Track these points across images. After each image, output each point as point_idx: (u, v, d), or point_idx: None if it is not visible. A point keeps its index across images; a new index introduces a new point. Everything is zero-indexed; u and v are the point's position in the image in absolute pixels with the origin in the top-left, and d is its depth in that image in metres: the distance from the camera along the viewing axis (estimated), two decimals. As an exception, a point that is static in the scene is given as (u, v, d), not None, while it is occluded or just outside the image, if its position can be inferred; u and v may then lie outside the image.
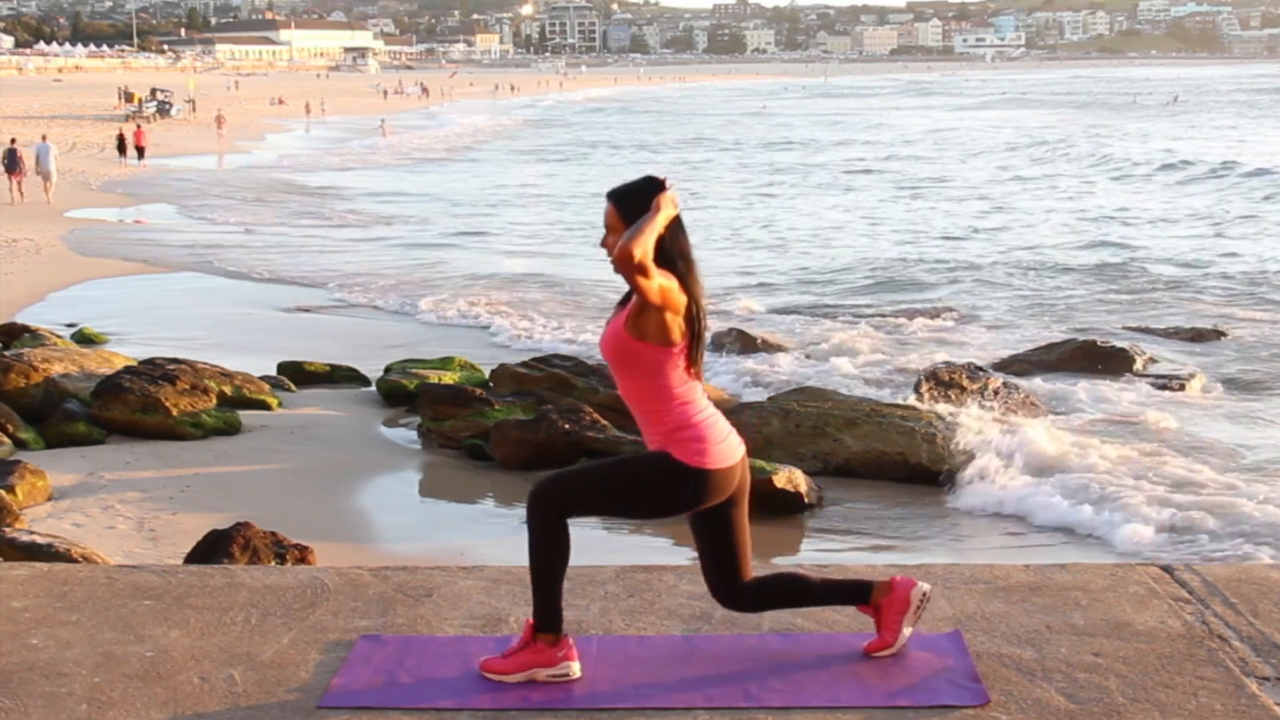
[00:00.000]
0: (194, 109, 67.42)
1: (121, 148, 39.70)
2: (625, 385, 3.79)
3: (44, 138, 32.96)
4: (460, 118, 74.04)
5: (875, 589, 3.96)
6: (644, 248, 3.54)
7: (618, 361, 3.76)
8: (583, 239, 24.28)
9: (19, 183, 29.12)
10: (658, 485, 3.74)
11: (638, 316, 3.67)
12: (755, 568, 3.95)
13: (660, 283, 3.59)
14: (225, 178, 37.03)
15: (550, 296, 18.15)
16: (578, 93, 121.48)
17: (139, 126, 43.29)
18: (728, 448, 3.76)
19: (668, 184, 3.71)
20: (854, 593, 3.98)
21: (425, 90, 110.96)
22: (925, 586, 3.98)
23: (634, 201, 3.68)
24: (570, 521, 3.75)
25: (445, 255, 22.72)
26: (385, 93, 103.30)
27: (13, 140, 31.26)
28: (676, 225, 3.69)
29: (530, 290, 18.64)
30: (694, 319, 3.70)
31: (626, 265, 3.53)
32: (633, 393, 3.78)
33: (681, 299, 3.66)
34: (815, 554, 7.79)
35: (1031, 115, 73.90)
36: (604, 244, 3.74)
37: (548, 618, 3.78)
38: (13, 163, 29.36)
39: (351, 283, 19.22)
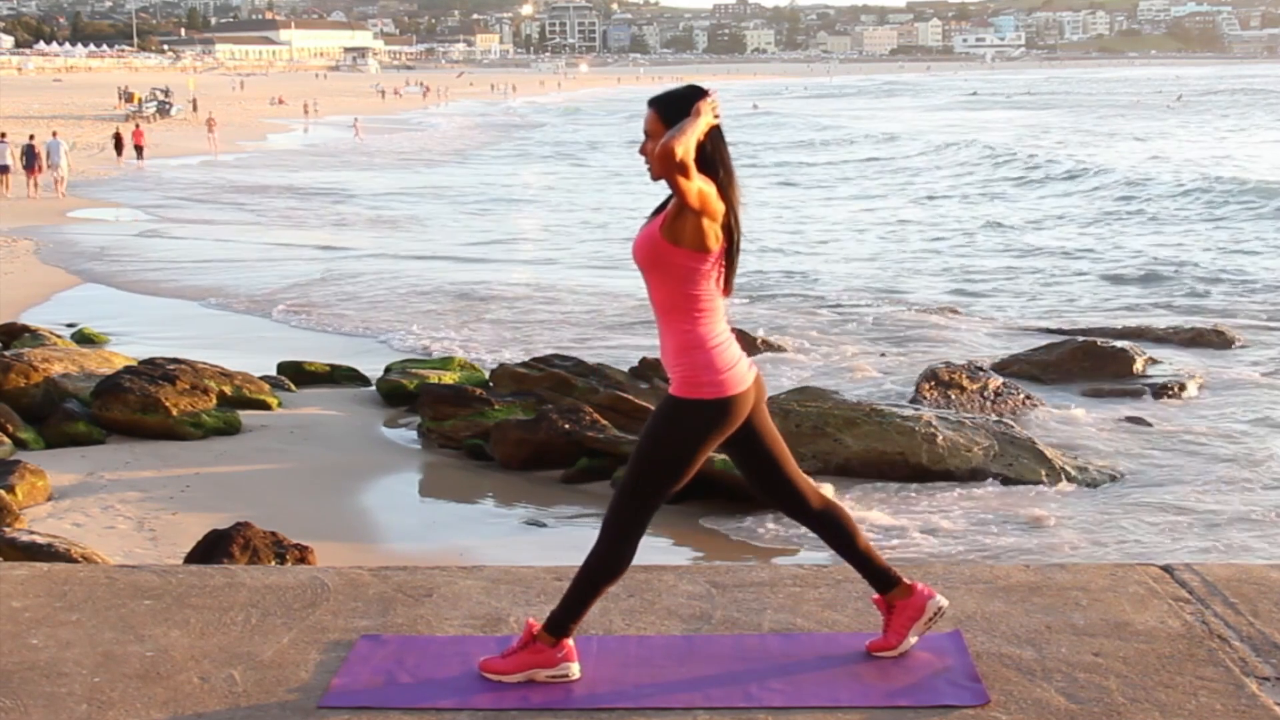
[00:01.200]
0: (195, 109, 67.44)
1: (118, 147, 39.93)
2: (654, 291, 3.72)
3: (55, 134, 33.77)
4: (443, 119, 73.68)
5: (898, 586, 3.94)
6: (686, 146, 3.47)
7: (650, 265, 3.69)
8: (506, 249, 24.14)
9: (34, 179, 30.18)
10: (683, 431, 3.70)
11: (674, 220, 3.61)
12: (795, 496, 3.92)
13: (700, 186, 3.54)
14: (203, 178, 36.89)
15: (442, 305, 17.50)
16: (563, 94, 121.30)
17: (137, 126, 43.79)
18: (738, 373, 3.72)
19: (711, 92, 3.67)
20: (880, 577, 3.96)
21: (427, 90, 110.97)
22: (943, 603, 3.96)
23: (676, 107, 3.62)
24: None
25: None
26: (383, 93, 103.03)
27: (31, 137, 32.31)
28: (717, 134, 3.64)
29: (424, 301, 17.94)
30: (731, 228, 3.65)
31: (667, 162, 3.47)
32: (660, 299, 3.71)
33: (720, 206, 3.60)
34: (815, 554, 7.78)
35: (1024, 116, 73.88)
36: (643, 150, 3.68)
37: (567, 623, 3.78)
38: (30, 159, 30.39)
39: (224, 292, 18.11)
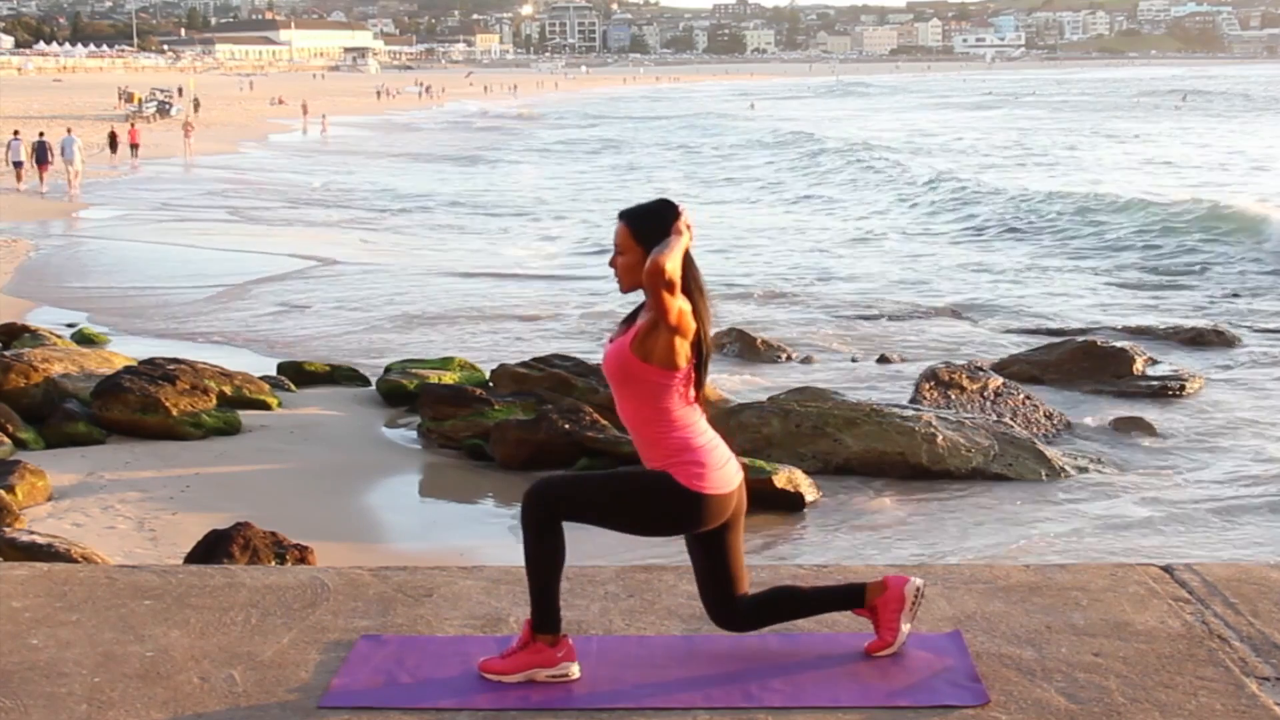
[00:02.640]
0: (196, 109, 67.40)
1: (113, 145, 40.20)
2: (625, 406, 3.80)
3: (69, 131, 34.83)
4: (426, 120, 73.20)
5: (869, 590, 3.96)
6: (675, 263, 3.57)
7: (620, 381, 3.77)
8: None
9: (45, 174, 31.36)
10: (655, 504, 3.75)
11: (645, 337, 3.68)
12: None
13: (680, 304, 3.61)
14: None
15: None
16: (562, 94, 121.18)
17: (133, 125, 44.30)
18: (726, 474, 3.77)
19: (682, 209, 3.73)
20: (848, 597, 3.99)
21: (428, 89, 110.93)
22: (918, 581, 3.98)
23: (648, 223, 3.70)
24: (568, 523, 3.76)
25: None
26: (379, 93, 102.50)
27: (41, 134, 33.51)
28: (688, 253, 3.71)
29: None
30: (700, 345, 3.72)
31: (658, 279, 3.54)
32: (632, 414, 3.79)
33: (692, 324, 3.67)
34: (814, 554, 7.79)
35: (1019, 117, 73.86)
36: (612, 264, 3.76)
37: (544, 618, 3.78)
38: (42, 155, 31.54)
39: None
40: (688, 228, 3.69)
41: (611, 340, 3.83)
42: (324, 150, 50.54)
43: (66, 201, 29.55)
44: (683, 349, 3.68)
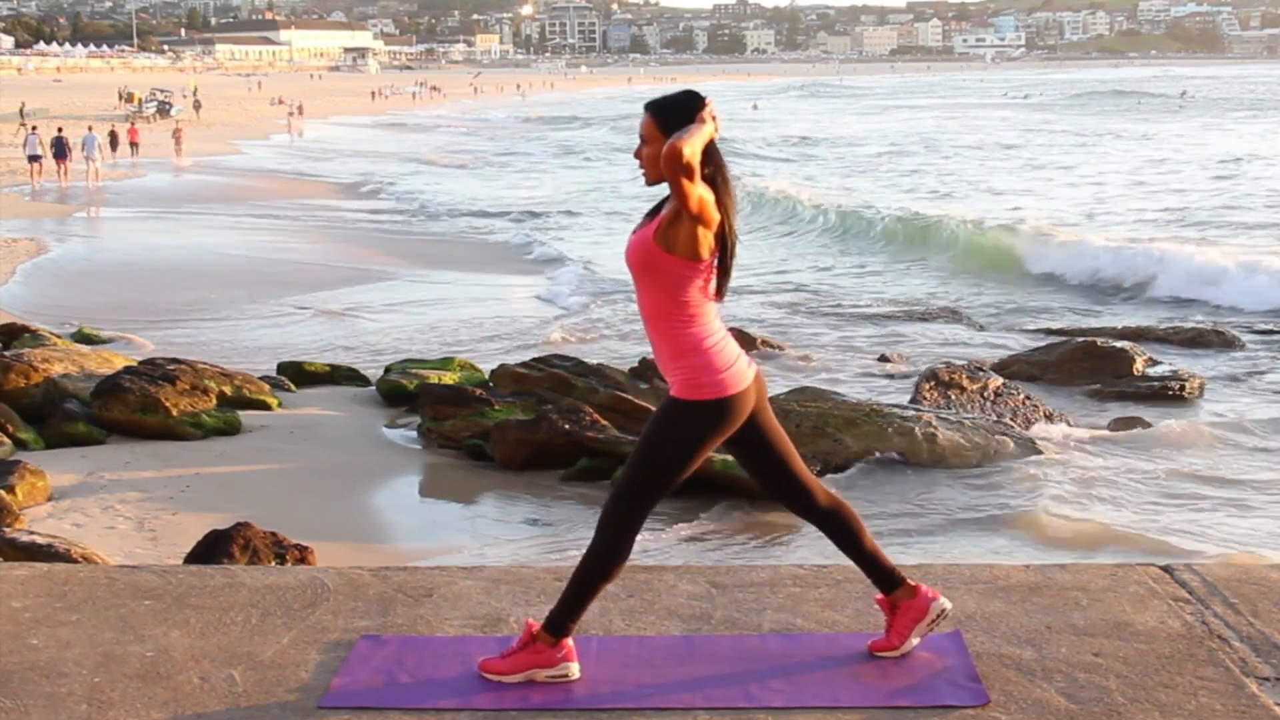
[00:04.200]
0: (197, 110, 67.35)
1: (114, 144, 40.54)
2: (644, 296, 3.73)
3: (90, 128, 36.68)
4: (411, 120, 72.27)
5: (902, 586, 3.95)
6: (693, 148, 3.49)
7: (642, 270, 3.69)
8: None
9: (64, 168, 33.17)
10: (689, 434, 3.70)
11: (669, 226, 3.61)
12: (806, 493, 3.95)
13: (701, 191, 3.55)
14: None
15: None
16: (560, 94, 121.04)
17: (133, 125, 45.46)
18: (737, 372, 3.72)
19: (708, 100, 3.68)
20: (886, 577, 3.96)
21: (434, 90, 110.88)
22: (947, 605, 3.96)
23: (674, 113, 3.63)
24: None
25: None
26: (373, 94, 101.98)
27: (60, 129, 35.09)
28: (713, 144, 3.64)
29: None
30: (724, 237, 3.66)
31: (674, 163, 3.46)
32: (650, 305, 3.72)
33: (716, 214, 3.60)
34: (815, 555, 7.78)
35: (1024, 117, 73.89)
36: (637, 155, 3.69)
37: (565, 621, 3.79)
38: (60, 150, 33.30)
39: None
40: (713, 118, 3.63)
41: (635, 231, 3.76)
42: (383, 155, 48.68)
43: (87, 195, 30.65)
44: (706, 239, 3.61)
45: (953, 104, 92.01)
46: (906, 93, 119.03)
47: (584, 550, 3.82)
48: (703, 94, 3.70)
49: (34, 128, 35.35)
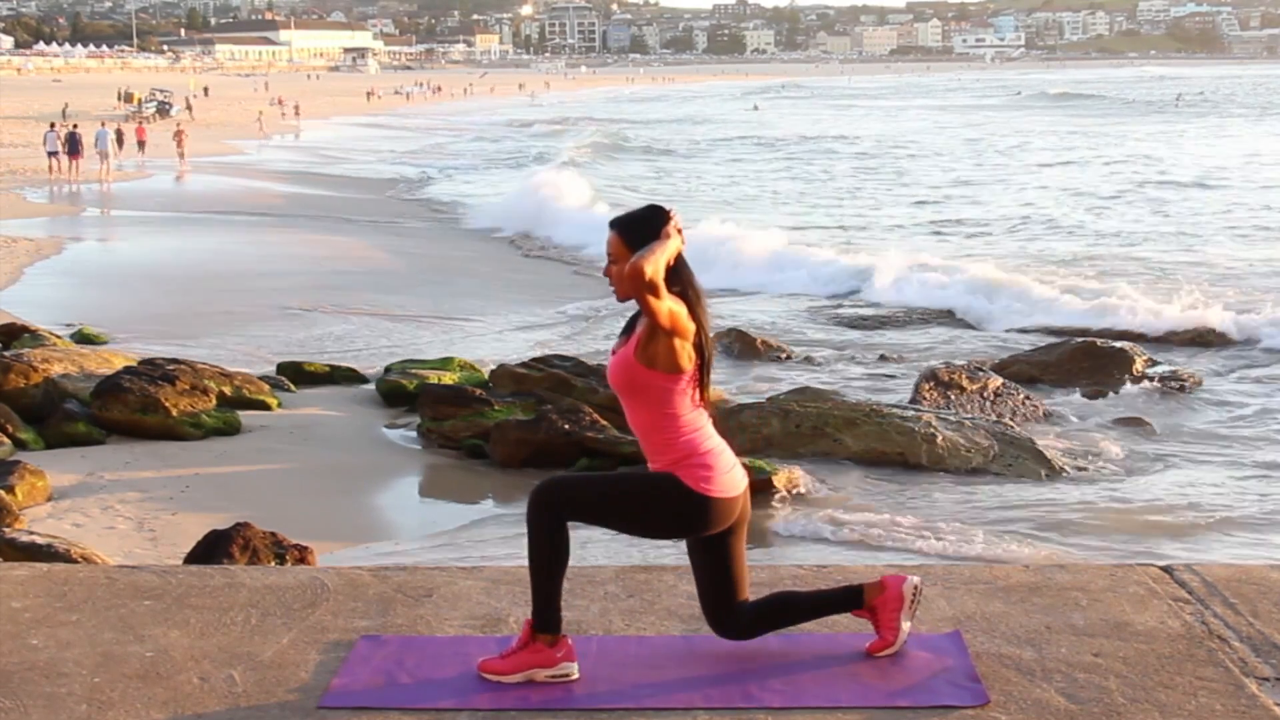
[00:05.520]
0: (189, 110, 67.28)
1: (120, 142, 40.79)
2: (633, 414, 3.80)
3: (103, 124, 38.07)
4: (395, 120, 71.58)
5: (866, 591, 3.97)
6: (655, 266, 3.56)
7: (627, 390, 3.77)
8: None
9: (76, 164, 34.01)
10: (661, 506, 3.75)
11: (647, 344, 3.68)
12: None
13: (670, 306, 3.61)
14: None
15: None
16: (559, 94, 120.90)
17: (140, 124, 46.49)
18: (732, 479, 3.78)
19: (673, 213, 3.73)
20: (847, 600, 3.99)
21: (438, 90, 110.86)
22: (916, 579, 3.99)
23: (639, 229, 3.70)
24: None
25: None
26: (368, 95, 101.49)
27: (75, 126, 36.62)
28: (680, 256, 3.71)
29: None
30: (702, 347, 3.72)
31: (638, 282, 3.54)
32: (640, 421, 3.79)
33: (690, 325, 3.67)
34: (814, 555, 7.78)
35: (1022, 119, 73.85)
36: (606, 273, 3.77)
37: (546, 618, 3.78)
38: (74, 147, 34.03)
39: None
40: (678, 231, 3.70)
41: (614, 351, 3.84)
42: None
43: (100, 193, 31.33)
44: (684, 351, 3.68)
45: (944, 105, 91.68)
46: (890, 93, 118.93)
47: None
48: (666, 208, 3.76)
49: (52, 125, 36.52)
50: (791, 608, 3.99)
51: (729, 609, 3.90)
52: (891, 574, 4.04)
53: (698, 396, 3.76)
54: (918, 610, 4.01)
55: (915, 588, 3.96)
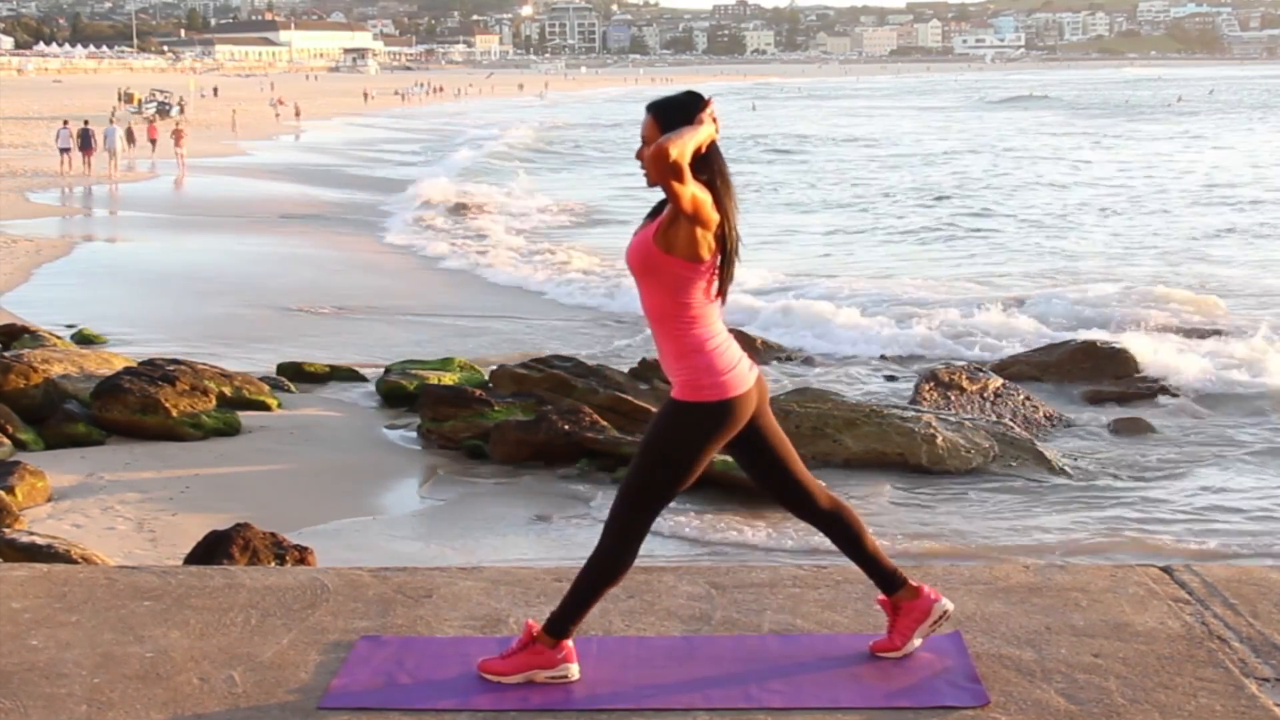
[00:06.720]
0: (182, 110, 67.21)
1: (130, 139, 41.42)
2: (646, 297, 3.72)
3: (112, 121, 39.74)
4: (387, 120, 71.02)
5: (905, 588, 3.94)
6: (680, 149, 3.45)
7: (642, 271, 3.68)
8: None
9: (89, 160, 35.07)
10: (686, 433, 3.70)
11: (668, 228, 3.59)
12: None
13: (694, 192, 3.51)
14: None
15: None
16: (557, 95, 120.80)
17: (152, 123, 47.13)
18: (739, 374, 3.71)
19: (709, 100, 3.66)
20: (888, 578, 3.96)
21: (438, 90, 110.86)
22: (949, 606, 3.96)
23: (675, 114, 3.61)
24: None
25: None
26: (365, 95, 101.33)
27: (85, 122, 36.83)
28: (713, 145, 3.63)
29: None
30: (724, 238, 3.63)
31: (661, 164, 3.43)
32: (652, 305, 3.71)
33: (714, 215, 3.58)
34: (814, 555, 7.78)
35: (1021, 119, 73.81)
36: (639, 155, 3.66)
37: (567, 623, 3.78)
38: (86, 142, 35.18)
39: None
40: (714, 119, 3.61)
41: (637, 232, 3.74)
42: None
43: (109, 192, 31.74)
44: (705, 240, 3.58)
45: (939, 106, 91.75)
46: (882, 94, 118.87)
47: (587, 552, 3.82)
48: (705, 95, 3.68)
49: (65, 122, 37.60)
50: (850, 538, 3.94)
51: (794, 484, 3.91)
52: (932, 588, 4.00)
53: (714, 289, 3.68)
54: (932, 634, 3.98)
55: (944, 613, 3.94)
